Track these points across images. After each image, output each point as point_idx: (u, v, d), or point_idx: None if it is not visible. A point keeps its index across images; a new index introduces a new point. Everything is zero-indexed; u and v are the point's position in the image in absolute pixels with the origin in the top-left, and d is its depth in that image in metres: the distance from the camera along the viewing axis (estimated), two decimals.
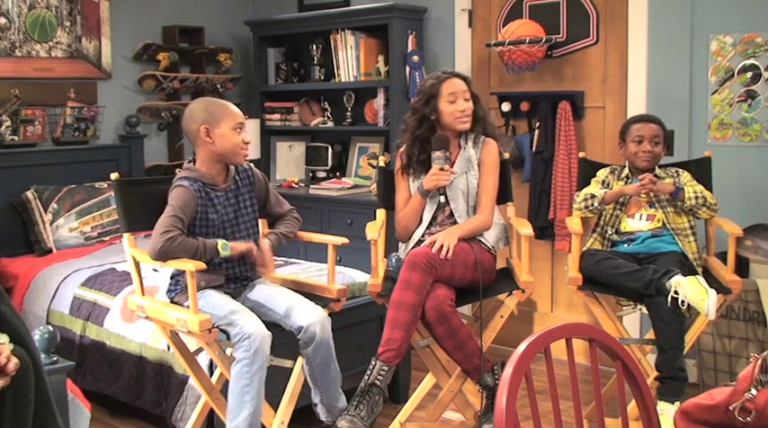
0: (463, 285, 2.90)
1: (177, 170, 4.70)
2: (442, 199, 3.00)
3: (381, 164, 3.35)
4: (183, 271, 2.65)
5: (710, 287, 2.78)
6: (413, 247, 3.02)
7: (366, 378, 2.72)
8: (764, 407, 1.32)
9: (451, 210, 3.05)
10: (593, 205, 3.17)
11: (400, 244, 3.16)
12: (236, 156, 2.80)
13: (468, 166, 3.07)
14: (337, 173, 4.92)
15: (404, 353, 2.79)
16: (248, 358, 2.55)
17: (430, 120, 3.06)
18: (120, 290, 3.49)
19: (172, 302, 2.81)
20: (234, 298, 2.78)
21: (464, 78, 3.10)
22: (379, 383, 2.70)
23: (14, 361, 1.85)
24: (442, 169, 2.97)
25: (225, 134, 2.75)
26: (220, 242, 2.67)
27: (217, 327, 2.62)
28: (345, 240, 3.01)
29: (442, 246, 2.83)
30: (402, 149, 3.16)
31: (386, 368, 2.71)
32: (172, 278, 2.84)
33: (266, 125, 5.13)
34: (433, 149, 3.00)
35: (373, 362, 2.73)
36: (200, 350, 2.85)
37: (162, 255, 2.60)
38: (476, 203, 3.07)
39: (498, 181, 3.12)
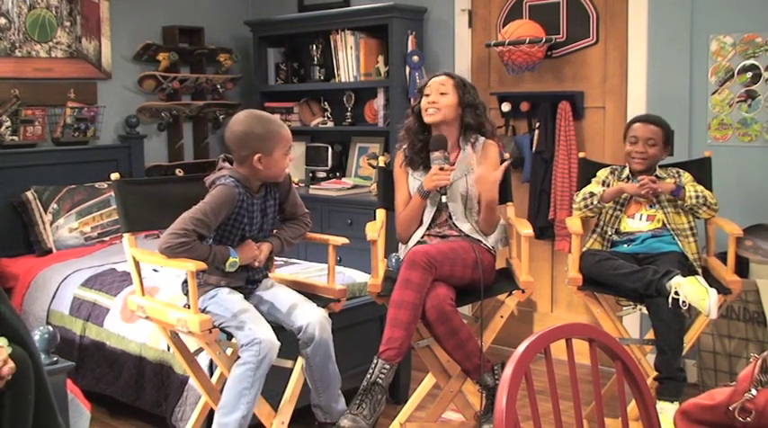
0: (463, 284, 2.90)
1: (178, 171, 4.76)
2: (444, 199, 2.99)
3: (381, 164, 3.35)
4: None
5: (710, 287, 2.78)
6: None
7: (368, 376, 2.71)
8: (764, 407, 1.32)
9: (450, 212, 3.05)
10: (592, 203, 3.18)
11: (400, 244, 3.15)
12: (279, 177, 2.77)
13: (467, 169, 3.06)
14: (337, 174, 4.92)
15: (405, 352, 2.78)
16: (254, 363, 2.54)
17: (420, 116, 3.10)
18: (120, 291, 3.49)
19: (186, 294, 2.79)
20: (246, 298, 2.76)
21: (451, 76, 3.11)
22: (381, 381, 2.69)
23: (9, 365, 1.85)
24: (441, 169, 2.97)
25: (277, 160, 2.70)
26: (230, 260, 2.63)
27: (219, 328, 2.62)
28: (345, 240, 3.01)
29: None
30: (402, 148, 3.17)
31: (387, 366, 2.71)
32: None
33: None
34: (431, 150, 3.00)
35: (375, 361, 2.72)
36: (200, 350, 2.85)
37: (168, 254, 2.57)
38: (472, 206, 3.06)
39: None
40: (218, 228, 2.68)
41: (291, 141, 2.76)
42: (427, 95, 3.07)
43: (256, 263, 2.77)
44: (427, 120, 3.06)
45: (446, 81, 3.07)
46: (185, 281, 2.80)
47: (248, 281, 2.81)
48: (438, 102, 3.04)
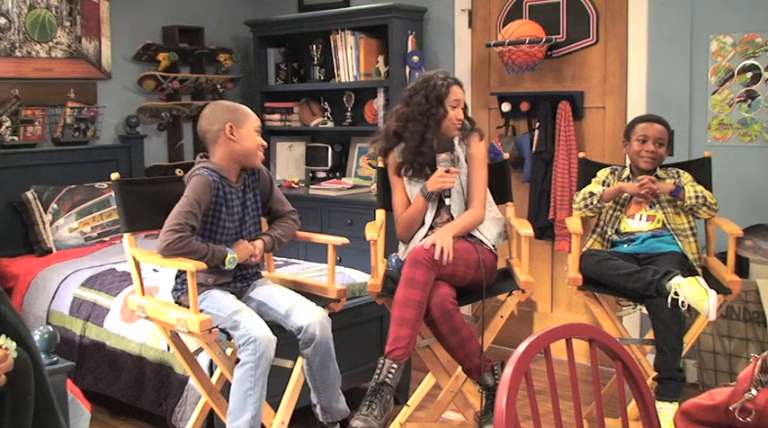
0: (464, 284, 2.90)
1: (177, 171, 4.76)
2: (448, 201, 2.98)
3: (381, 164, 3.34)
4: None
5: (710, 287, 2.78)
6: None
7: (376, 377, 2.69)
8: (764, 408, 1.32)
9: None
10: (592, 203, 3.17)
11: (400, 244, 3.15)
12: (255, 157, 2.83)
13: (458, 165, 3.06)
14: (337, 174, 4.93)
15: (411, 351, 2.77)
16: (253, 362, 2.56)
17: (438, 122, 3.01)
18: (120, 291, 3.49)
19: (177, 302, 2.81)
20: (238, 297, 2.78)
21: (461, 86, 3.11)
22: (389, 381, 2.68)
23: (7, 363, 1.85)
24: (447, 171, 2.96)
25: (248, 134, 2.80)
26: (229, 255, 2.68)
27: (217, 328, 2.62)
28: (345, 240, 3.01)
29: (443, 250, 2.80)
30: (395, 151, 3.12)
31: (395, 365, 2.70)
32: (177, 277, 2.84)
33: (266, 125, 5.12)
34: (438, 151, 3.00)
35: (382, 361, 2.71)
36: (200, 350, 2.85)
37: (168, 253, 2.61)
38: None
39: (495, 179, 3.13)
40: (201, 223, 2.71)
41: (259, 123, 2.88)
42: (454, 108, 3.01)
43: (253, 259, 2.82)
44: (455, 134, 3.04)
45: (463, 95, 3.07)
46: (174, 289, 2.82)
47: (235, 278, 2.83)
48: (462, 119, 3.05)
